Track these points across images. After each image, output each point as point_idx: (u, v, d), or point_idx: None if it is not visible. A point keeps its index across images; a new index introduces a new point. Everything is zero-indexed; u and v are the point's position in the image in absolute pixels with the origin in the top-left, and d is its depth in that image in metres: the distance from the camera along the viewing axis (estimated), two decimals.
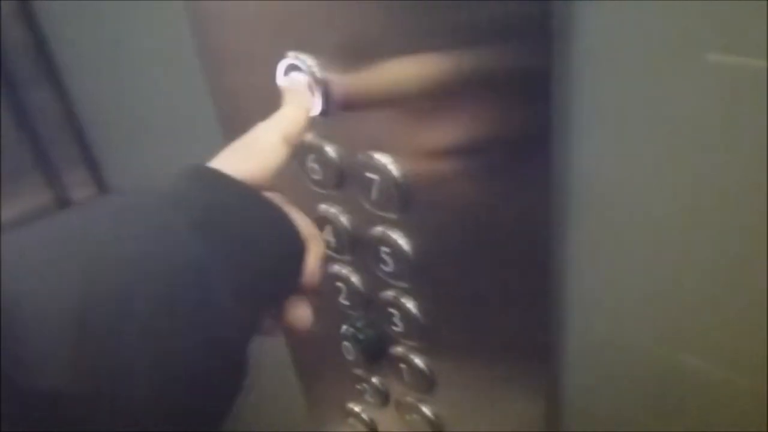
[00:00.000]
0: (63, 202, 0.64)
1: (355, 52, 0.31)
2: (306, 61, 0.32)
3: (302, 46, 0.32)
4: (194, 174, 0.28)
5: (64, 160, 0.62)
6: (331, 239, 0.39)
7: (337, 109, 0.33)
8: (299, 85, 0.33)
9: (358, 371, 0.45)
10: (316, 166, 0.36)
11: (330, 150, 0.35)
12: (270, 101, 0.35)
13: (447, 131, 0.30)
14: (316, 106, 0.33)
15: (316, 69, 0.32)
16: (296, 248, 0.29)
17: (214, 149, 0.42)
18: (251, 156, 0.30)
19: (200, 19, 0.37)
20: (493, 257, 0.32)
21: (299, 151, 0.36)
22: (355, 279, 0.40)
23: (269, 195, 0.30)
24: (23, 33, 0.55)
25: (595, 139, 0.27)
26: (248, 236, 0.27)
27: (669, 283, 0.28)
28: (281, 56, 0.33)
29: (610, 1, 0.23)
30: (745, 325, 0.27)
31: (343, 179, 0.35)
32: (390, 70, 0.30)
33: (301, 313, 0.31)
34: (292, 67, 0.32)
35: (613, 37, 0.24)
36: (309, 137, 0.35)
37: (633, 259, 0.29)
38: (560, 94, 0.26)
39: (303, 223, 0.31)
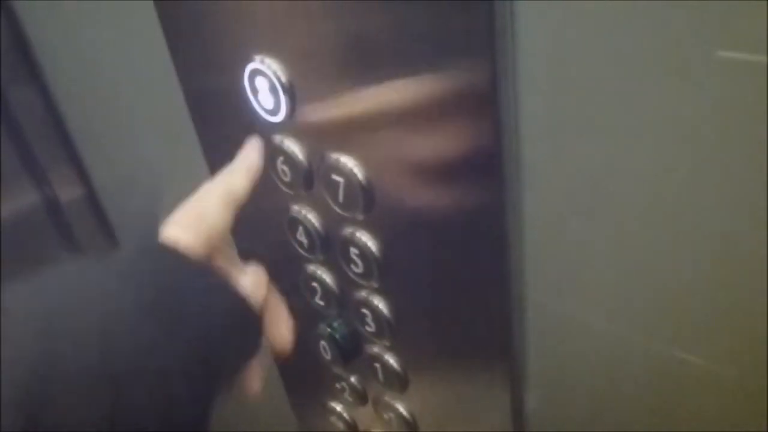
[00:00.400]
0: (51, 202, 0.64)
1: (318, 56, 0.31)
2: (270, 65, 0.32)
3: (268, 49, 0.32)
4: (147, 251, 0.30)
5: (50, 160, 0.62)
6: (304, 240, 0.39)
7: (302, 112, 0.33)
8: (250, 147, 0.36)
9: (337, 370, 0.46)
10: (285, 168, 0.36)
11: (298, 153, 0.35)
12: (238, 104, 0.35)
13: (408, 134, 0.30)
14: (282, 113, 0.33)
15: (280, 73, 0.32)
16: (248, 323, 0.31)
17: (191, 147, 0.43)
18: (198, 223, 0.32)
19: (170, 22, 0.37)
20: (454, 256, 0.33)
21: (270, 154, 0.36)
22: (328, 279, 0.40)
23: (223, 261, 0.33)
24: (5, 33, 0.55)
25: (546, 130, 0.27)
26: (199, 316, 0.29)
27: (633, 275, 0.28)
28: (248, 59, 0.33)
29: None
30: (718, 311, 0.27)
31: (312, 181, 0.36)
32: (351, 73, 0.30)
33: (251, 377, 0.33)
34: (257, 72, 0.33)
35: (554, 34, 0.24)
36: (278, 139, 0.35)
37: (593, 253, 0.29)
38: (509, 91, 0.26)
39: (259, 286, 0.34)
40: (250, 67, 0.33)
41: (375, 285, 0.37)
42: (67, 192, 0.64)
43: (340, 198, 0.34)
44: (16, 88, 0.58)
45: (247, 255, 0.46)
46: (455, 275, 0.34)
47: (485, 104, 0.27)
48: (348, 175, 0.33)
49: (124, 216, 0.63)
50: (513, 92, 0.26)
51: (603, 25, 0.23)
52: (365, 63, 0.30)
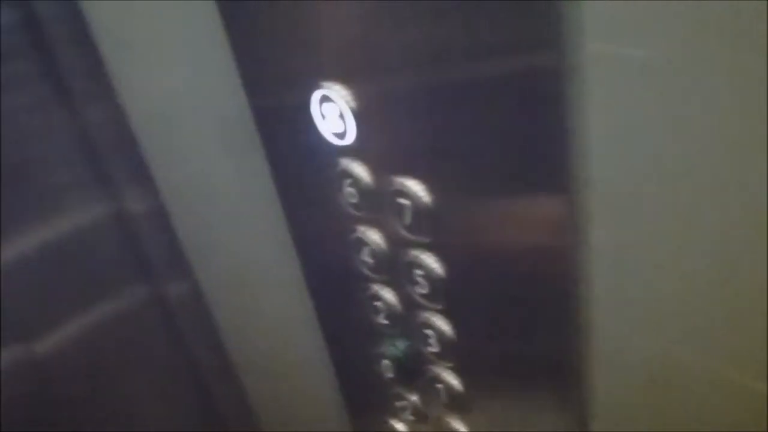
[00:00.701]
0: (122, 215, 0.66)
1: (386, 82, 0.32)
2: (339, 91, 0.33)
3: (336, 76, 0.33)
4: None
5: (121, 174, 0.64)
6: (369, 260, 0.39)
7: (370, 136, 0.34)
8: None
9: (399, 389, 0.46)
10: (352, 190, 0.37)
11: (365, 176, 0.35)
12: (305, 127, 0.36)
13: (475, 157, 0.30)
14: (350, 138, 0.34)
15: (349, 99, 0.33)
16: None
17: (259, 165, 0.44)
18: None
19: (240, 47, 0.38)
20: (521, 279, 0.33)
21: (337, 176, 0.37)
22: (393, 299, 0.41)
23: None
24: (80, 54, 0.57)
25: (616, 151, 0.27)
26: None
27: (704, 300, 0.28)
28: (317, 86, 0.34)
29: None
30: None
31: (378, 203, 0.36)
32: (418, 99, 0.31)
33: None
34: (325, 98, 0.33)
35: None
36: (345, 163, 0.36)
37: (660, 282, 0.28)
38: (578, 114, 0.26)
39: None
40: (318, 93, 0.34)
41: (439, 306, 0.38)
42: (137, 205, 0.66)
43: (407, 221, 0.34)
44: (89, 104, 0.60)
45: (313, 272, 0.47)
46: (521, 298, 0.34)
47: (554, 119, 0.27)
48: (414, 199, 0.33)
49: (192, 229, 0.65)
50: (583, 105, 0.26)
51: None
52: (431, 88, 0.30)
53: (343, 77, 0.33)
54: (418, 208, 0.33)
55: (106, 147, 0.63)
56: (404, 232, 0.35)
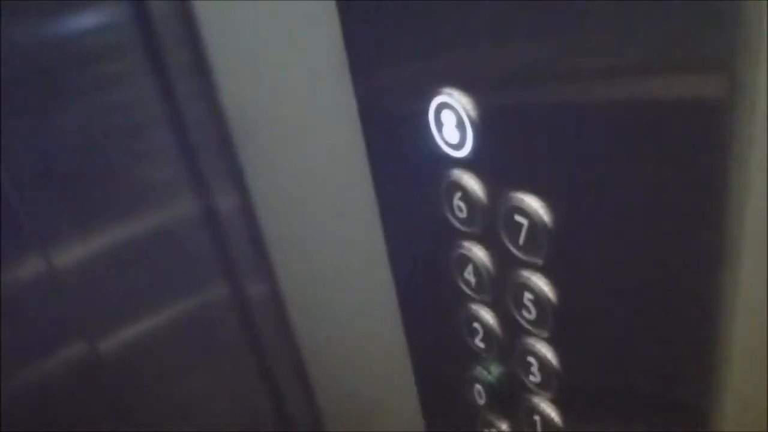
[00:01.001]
0: (210, 213, 0.67)
1: (510, 92, 0.30)
2: (460, 99, 0.31)
3: (458, 83, 0.32)
4: None
5: (214, 173, 0.65)
6: (472, 279, 0.38)
7: (488, 148, 0.32)
8: None
9: (489, 417, 0.44)
10: (462, 204, 0.35)
11: (478, 190, 0.34)
12: (418, 135, 0.35)
13: (605, 179, 0.28)
14: (466, 149, 0.32)
15: (469, 107, 0.31)
16: None
17: (361, 172, 0.43)
18: None
19: (356, 50, 0.37)
20: (645, 315, 0.30)
21: (446, 188, 0.35)
22: (493, 322, 0.39)
23: None
24: (188, 56, 0.58)
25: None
26: None
27: None
28: (437, 92, 0.33)
29: None
30: None
31: (490, 219, 0.34)
32: (544, 110, 0.29)
33: None
34: (444, 105, 0.32)
35: None
36: (457, 174, 0.34)
37: None
38: (737, 147, 0.24)
39: None
40: (437, 100, 0.33)
41: (545, 334, 0.35)
42: (226, 204, 0.67)
43: (521, 240, 0.32)
44: (192, 104, 0.61)
45: (406, 286, 0.45)
46: (641, 333, 0.31)
47: (705, 135, 0.24)
48: (533, 217, 0.31)
49: (280, 232, 0.65)
50: (746, 137, 0.24)
51: None
52: (564, 103, 0.28)
53: (467, 85, 0.31)
54: (535, 228, 0.31)
55: (202, 145, 0.63)
56: (516, 252, 0.33)
